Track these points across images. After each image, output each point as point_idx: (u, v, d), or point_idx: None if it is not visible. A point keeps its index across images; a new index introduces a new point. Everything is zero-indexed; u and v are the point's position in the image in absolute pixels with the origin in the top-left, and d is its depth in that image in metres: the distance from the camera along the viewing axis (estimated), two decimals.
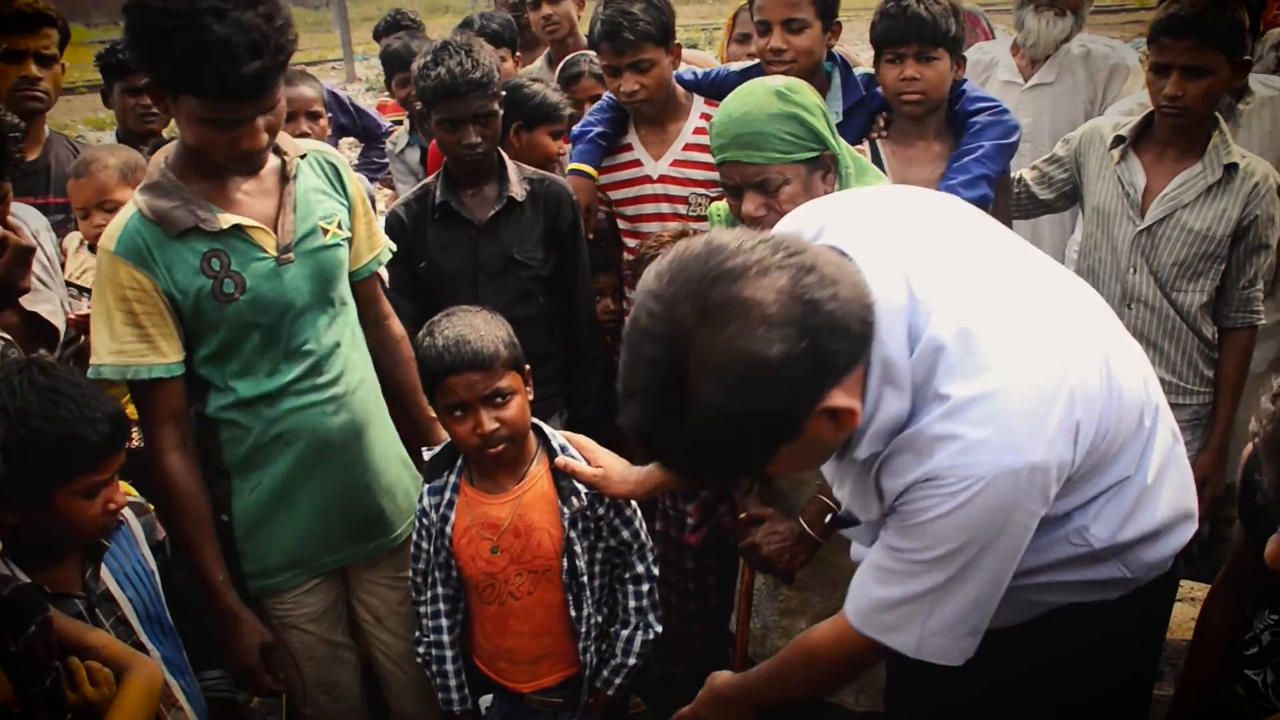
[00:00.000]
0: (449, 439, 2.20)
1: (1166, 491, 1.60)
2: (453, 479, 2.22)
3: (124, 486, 2.18)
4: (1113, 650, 1.69)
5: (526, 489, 2.18)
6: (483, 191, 2.70)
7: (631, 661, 2.25)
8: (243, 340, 2.10)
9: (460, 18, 4.02)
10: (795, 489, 2.30)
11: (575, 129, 3.03)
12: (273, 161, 2.13)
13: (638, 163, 2.96)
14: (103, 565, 1.95)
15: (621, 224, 3.06)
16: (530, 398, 2.17)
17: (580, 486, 2.16)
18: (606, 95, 3.01)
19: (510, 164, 2.73)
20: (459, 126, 2.57)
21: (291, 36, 1.89)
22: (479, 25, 3.84)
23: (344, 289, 2.25)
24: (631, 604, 2.27)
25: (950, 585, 1.44)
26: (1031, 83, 3.55)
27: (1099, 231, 2.75)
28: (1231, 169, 2.57)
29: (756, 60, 2.83)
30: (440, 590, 2.24)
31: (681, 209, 2.93)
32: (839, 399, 1.31)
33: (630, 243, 3.03)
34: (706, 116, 2.92)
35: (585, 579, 2.19)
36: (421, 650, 2.31)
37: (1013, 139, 2.64)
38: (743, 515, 2.28)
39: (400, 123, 4.73)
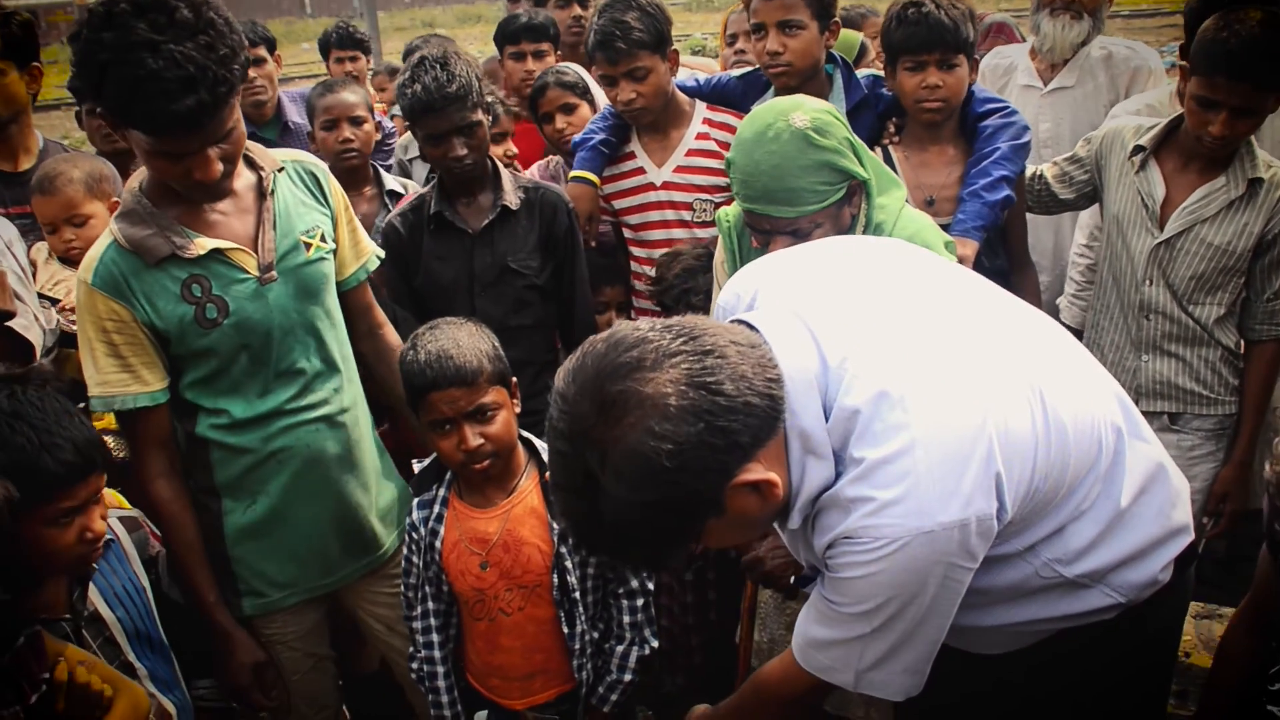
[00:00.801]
0: None
1: (1149, 511, 1.57)
2: (442, 492, 2.19)
3: (116, 498, 2.17)
4: (1120, 670, 1.65)
5: (515, 503, 2.14)
6: (477, 201, 2.68)
7: (627, 678, 2.20)
8: (231, 364, 2.07)
9: (494, 27, 3.98)
10: None
11: (577, 136, 3.00)
12: (249, 177, 2.08)
13: (641, 170, 2.93)
14: (91, 585, 1.92)
15: (626, 232, 3.02)
16: (518, 411, 2.13)
17: None
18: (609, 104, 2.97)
19: (505, 173, 2.70)
20: (442, 140, 2.55)
21: (238, 66, 1.80)
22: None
23: (331, 303, 2.22)
24: (625, 619, 2.21)
25: (876, 635, 1.45)
26: (1051, 87, 3.51)
27: (1119, 241, 2.69)
28: (1256, 184, 2.49)
29: (756, 66, 2.78)
30: (431, 605, 2.21)
31: (686, 215, 2.90)
32: (755, 473, 1.34)
33: (636, 251, 2.99)
34: (709, 122, 2.90)
35: (577, 595, 2.14)
36: (415, 666, 2.27)
37: (1025, 138, 2.63)
38: None
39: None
